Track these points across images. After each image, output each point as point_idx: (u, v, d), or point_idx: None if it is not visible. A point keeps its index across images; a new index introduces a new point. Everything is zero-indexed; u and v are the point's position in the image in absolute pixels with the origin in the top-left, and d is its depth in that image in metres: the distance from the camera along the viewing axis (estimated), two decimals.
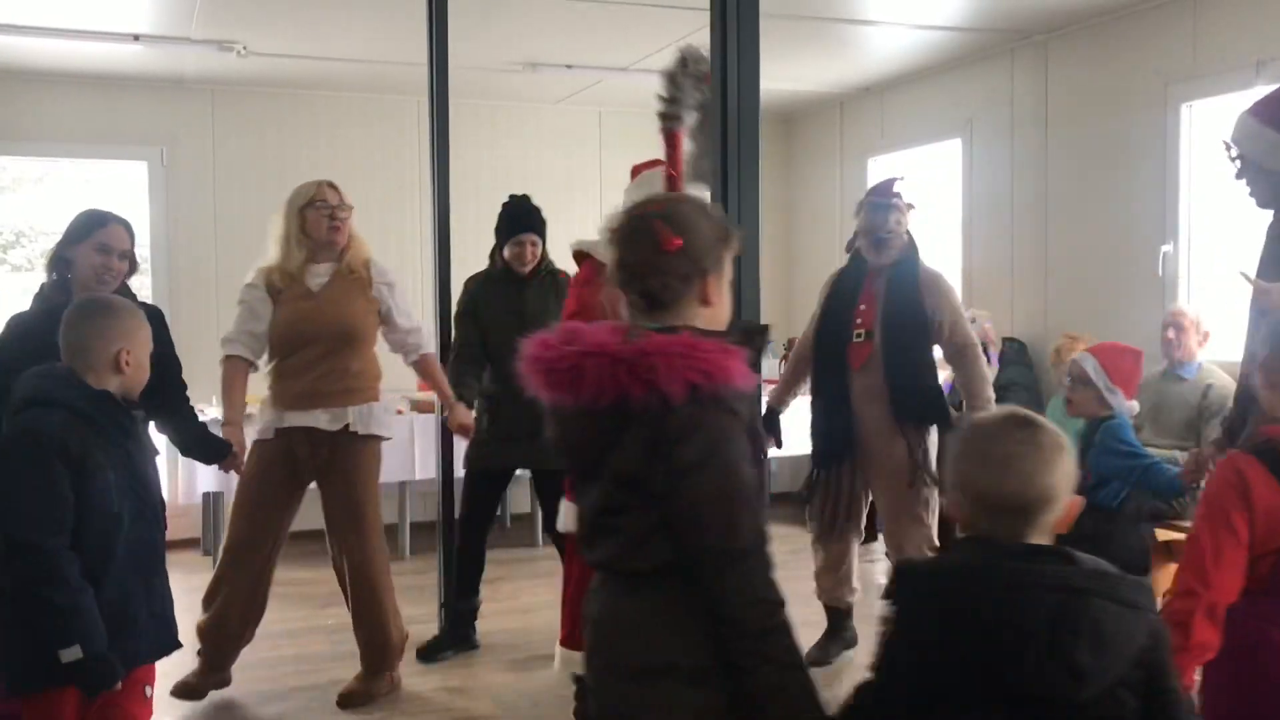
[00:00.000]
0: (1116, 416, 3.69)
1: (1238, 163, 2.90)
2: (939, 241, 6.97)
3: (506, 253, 4.67)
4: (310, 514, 6.73)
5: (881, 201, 4.27)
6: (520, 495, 7.09)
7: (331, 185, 4.08)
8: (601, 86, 6.96)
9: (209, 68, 6.38)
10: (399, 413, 6.34)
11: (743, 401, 1.75)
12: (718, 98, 2.17)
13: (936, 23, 5.79)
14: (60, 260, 3.35)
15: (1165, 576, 4.89)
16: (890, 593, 1.79)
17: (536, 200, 7.46)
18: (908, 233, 4.28)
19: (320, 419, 3.95)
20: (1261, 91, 4.84)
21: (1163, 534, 4.87)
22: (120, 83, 6.67)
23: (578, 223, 7.66)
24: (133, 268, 3.44)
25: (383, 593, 4.09)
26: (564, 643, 3.73)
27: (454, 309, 4.76)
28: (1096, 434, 3.67)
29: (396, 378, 6.89)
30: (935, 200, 7.02)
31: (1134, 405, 3.73)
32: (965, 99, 6.58)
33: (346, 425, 3.97)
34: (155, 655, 2.67)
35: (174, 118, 6.84)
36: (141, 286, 7.12)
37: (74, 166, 7.15)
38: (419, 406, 6.34)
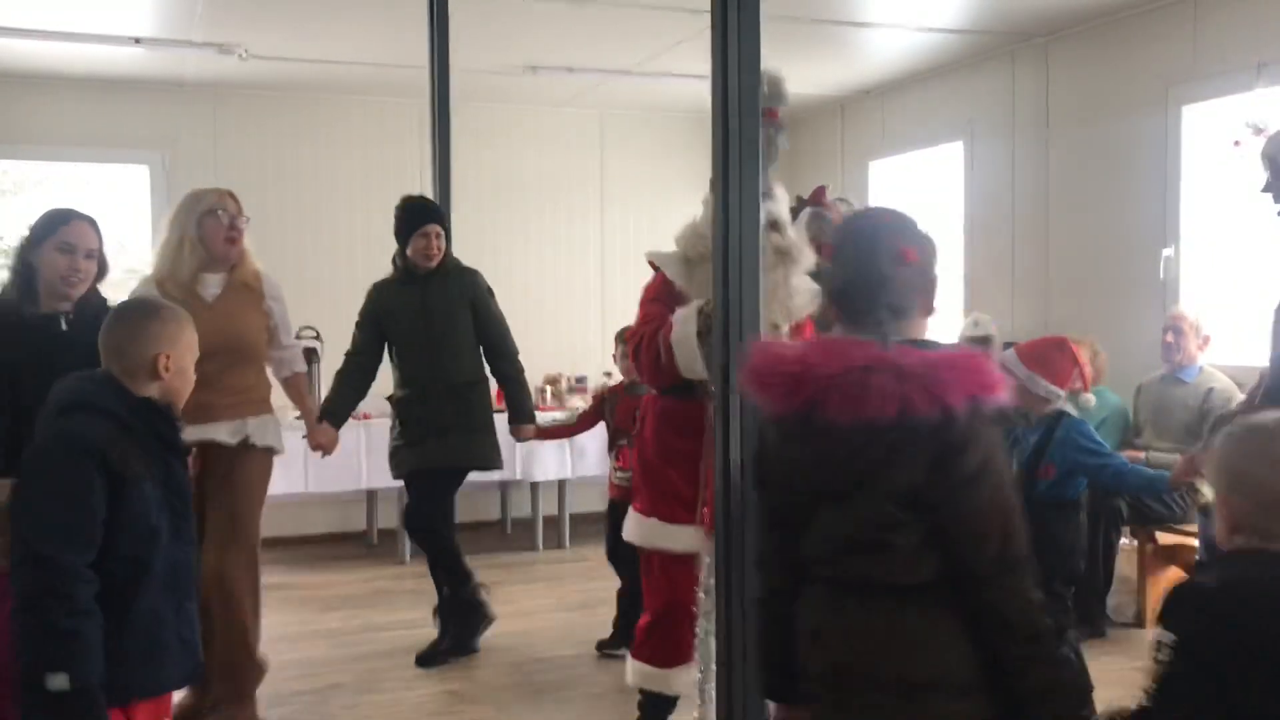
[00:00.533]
0: (1057, 404, 3.73)
1: (1268, 176, 3.13)
2: (939, 245, 6.96)
3: (410, 249, 4.53)
4: (311, 518, 6.75)
5: (815, 210, 4.36)
6: (520, 499, 7.09)
7: (231, 194, 3.87)
8: (603, 89, 6.97)
9: (211, 71, 6.38)
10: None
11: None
12: (718, 99, 2.17)
13: (937, 25, 5.79)
14: (24, 265, 3.15)
15: (1167, 579, 4.88)
16: (1168, 617, 1.79)
17: (539, 201, 7.54)
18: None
19: (220, 432, 3.76)
20: (1261, 94, 4.86)
21: (1165, 538, 4.88)
22: (122, 86, 6.67)
23: (578, 225, 7.75)
24: (102, 270, 3.24)
25: (243, 611, 3.80)
26: (638, 655, 3.60)
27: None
28: (1058, 428, 3.68)
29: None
30: (936, 203, 7.02)
31: (1063, 394, 3.78)
32: (966, 101, 6.58)
33: (246, 438, 3.82)
34: (182, 683, 2.52)
35: (176, 121, 6.84)
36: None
37: (76, 170, 7.15)
38: None
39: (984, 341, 5.76)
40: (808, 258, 3.29)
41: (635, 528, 3.51)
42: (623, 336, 4.89)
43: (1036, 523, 3.64)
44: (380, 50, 6.03)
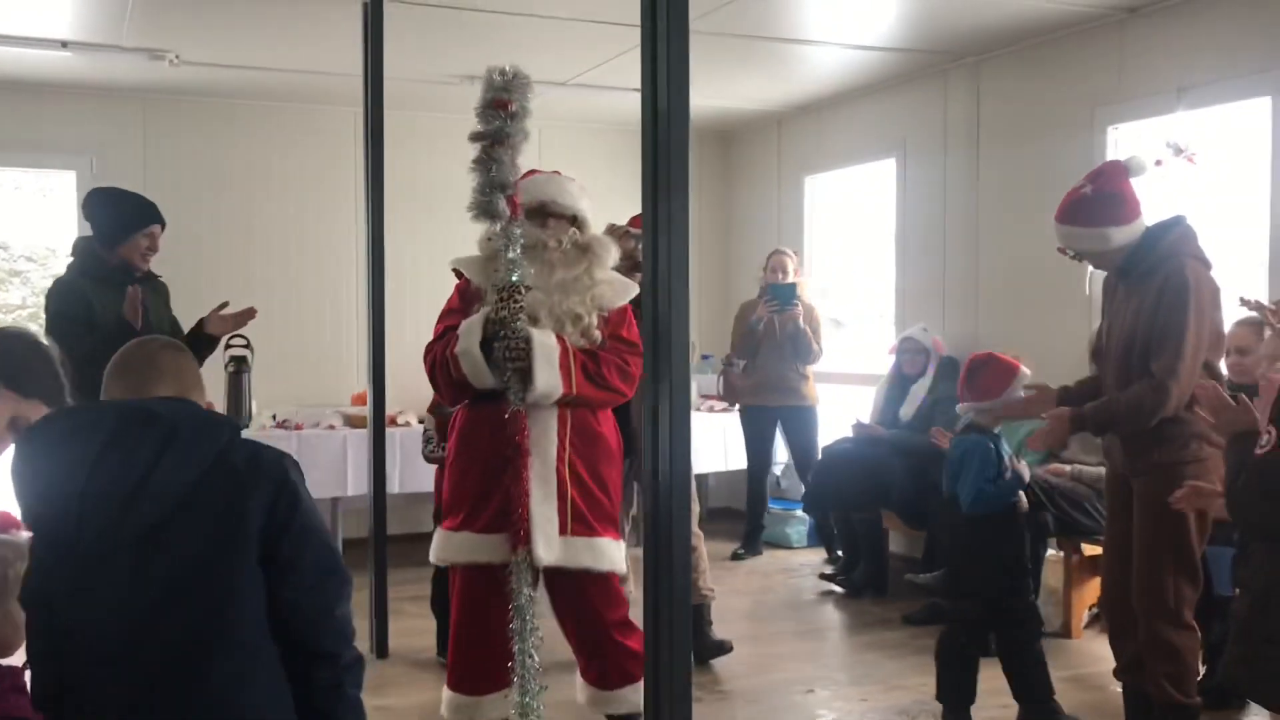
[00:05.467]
0: None
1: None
2: (873, 260, 7.06)
3: (126, 247, 4.17)
4: None
5: (628, 230, 4.67)
6: None
7: None
8: (540, 100, 6.90)
9: (141, 76, 6.28)
10: (331, 428, 6.27)
11: None
12: (647, 113, 2.18)
13: (871, 43, 5.87)
14: None
15: (1090, 591, 4.97)
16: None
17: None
18: None
19: None
20: (1183, 117, 5.00)
21: (1090, 550, 4.97)
22: (49, 90, 6.54)
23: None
24: None
25: None
26: (453, 686, 3.50)
27: (56, 310, 4.14)
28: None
29: (329, 392, 6.86)
30: (870, 219, 7.11)
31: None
32: (899, 119, 6.67)
33: None
34: None
35: (104, 126, 6.71)
36: None
37: (3, 175, 6.99)
38: (352, 421, 6.26)
39: (924, 353, 5.89)
40: (612, 253, 3.48)
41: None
42: None
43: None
44: (316, 58, 5.98)
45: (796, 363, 6.44)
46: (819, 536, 6.87)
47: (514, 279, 3.18)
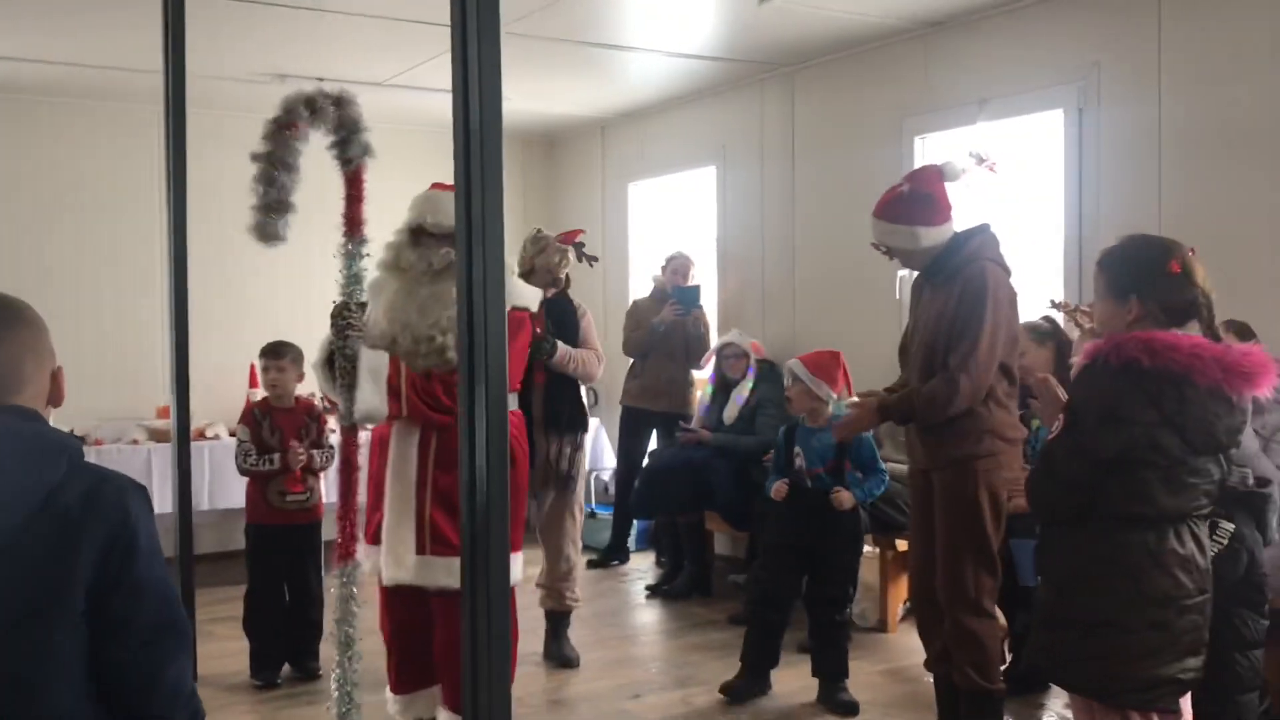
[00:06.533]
0: (835, 409, 4.26)
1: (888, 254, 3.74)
2: (698, 266, 7.13)
3: None
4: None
5: (555, 243, 4.87)
6: None
7: None
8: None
9: None
10: (134, 442, 5.96)
11: None
12: (459, 116, 2.12)
13: (691, 51, 5.94)
14: None
15: (905, 585, 5.14)
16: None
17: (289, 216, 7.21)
18: (566, 274, 4.93)
19: None
20: (983, 127, 5.22)
21: (905, 545, 5.13)
22: None
23: (332, 240, 7.47)
24: None
25: None
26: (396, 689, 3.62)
27: None
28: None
29: (132, 405, 6.50)
30: (692, 225, 7.20)
31: (846, 397, 4.33)
32: (719, 126, 6.77)
33: None
34: None
35: None
36: None
37: None
38: (156, 435, 5.96)
39: (744, 355, 5.97)
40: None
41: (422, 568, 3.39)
42: (265, 351, 4.77)
43: (852, 520, 4.23)
44: (114, 52, 5.66)
45: (688, 366, 6.44)
46: (648, 540, 6.91)
47: (348, 298, 3.14)
